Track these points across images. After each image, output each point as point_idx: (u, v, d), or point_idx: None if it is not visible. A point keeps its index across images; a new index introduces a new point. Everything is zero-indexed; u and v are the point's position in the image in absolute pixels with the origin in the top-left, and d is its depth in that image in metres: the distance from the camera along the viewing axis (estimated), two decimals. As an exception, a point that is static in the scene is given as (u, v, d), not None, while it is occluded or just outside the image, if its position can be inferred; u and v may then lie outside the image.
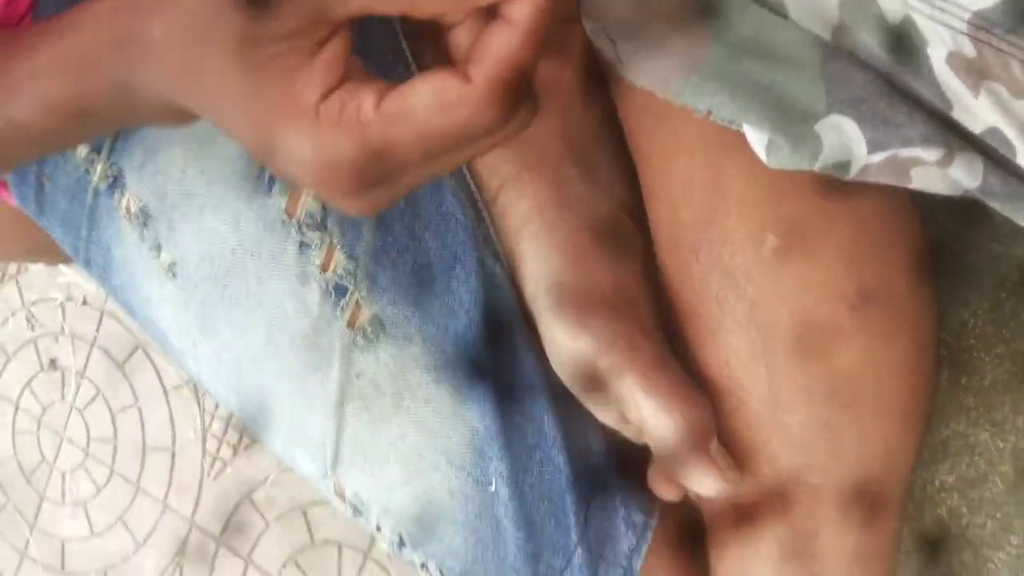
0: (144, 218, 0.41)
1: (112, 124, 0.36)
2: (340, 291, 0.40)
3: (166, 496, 1.07)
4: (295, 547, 0.96)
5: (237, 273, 0.40)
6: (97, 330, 1.12)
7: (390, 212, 0.40)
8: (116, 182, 0.41)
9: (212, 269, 0.41)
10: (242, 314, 0.41)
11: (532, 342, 0.41)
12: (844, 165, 0.32)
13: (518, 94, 0.28)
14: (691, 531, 0.43)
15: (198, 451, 1.06)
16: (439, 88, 0.28)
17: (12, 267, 1.18)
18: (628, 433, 0.40)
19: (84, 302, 1.12)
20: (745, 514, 0.40)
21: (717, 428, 0.38)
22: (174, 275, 0.42)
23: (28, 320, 1.17)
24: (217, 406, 1.03)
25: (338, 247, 0.40)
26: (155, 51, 0.29)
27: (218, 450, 1.05)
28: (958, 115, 0.31)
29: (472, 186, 0.41)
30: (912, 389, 0.39)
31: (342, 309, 0.40)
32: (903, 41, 0.30)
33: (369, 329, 0.40)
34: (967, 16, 0.29)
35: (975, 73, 0.29)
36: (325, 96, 0.28)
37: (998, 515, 0.45)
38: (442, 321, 0.40)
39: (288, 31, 0.27)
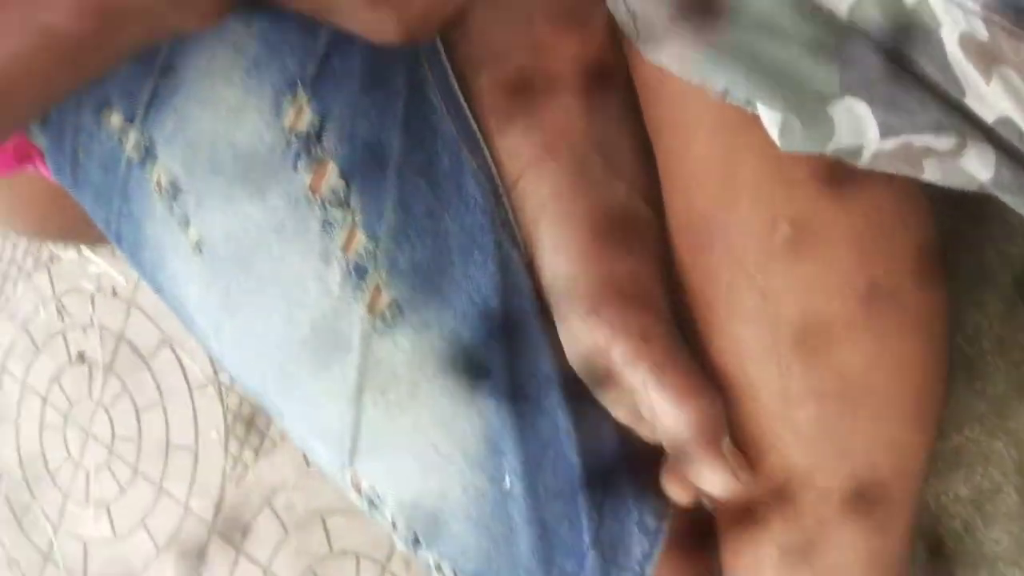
0: (174, 191, 0.42)
1: (145, 21, 0.36)
2: (360, 272, 0.40)
3: (187, 498, 1.07)
4: (313, 556, 0.96)
5: (261, 251, 0.41)
6: (125, 323, 1.13)
7: (411, 192, 0.41)
8: (148, 153, 0.42)
9: (237, 247, 0.41)
10: (264, 295, 0.41)
11: (549, 334, 0.41)
12: (856, 150, 0.32)
13: None
14: (701, 531, 0.43)
15: (220, 452, 1.06)
16: None
17: (45, 254, 1.20)
18: (642, 431, 0.40)
19: (114, 293, 1.14)
20: (753, 514, 0.40)
21: (728, 424, 0.38)
22: (200, 252, 0.42)
23: (59, 311, 1.18)
24: (241, 404, 1.04)
25: (360, 226, 0.40)
26: None
27: (240, 452, 1.06)
28: (971, 102, 0.31)
29: (493, 168, 0.42)
30: (922, 389, 0.39)
31: (362, 291, 0.40)
32: (918, 22, 0.30)
33: (388, 314, 0.40)
34: None
35: (988, 57, 0.29)
36: None
37: (1015, 529, 0.44)
38: (459, 307, 0.40)
39: None
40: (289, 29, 0.41)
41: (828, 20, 0.32)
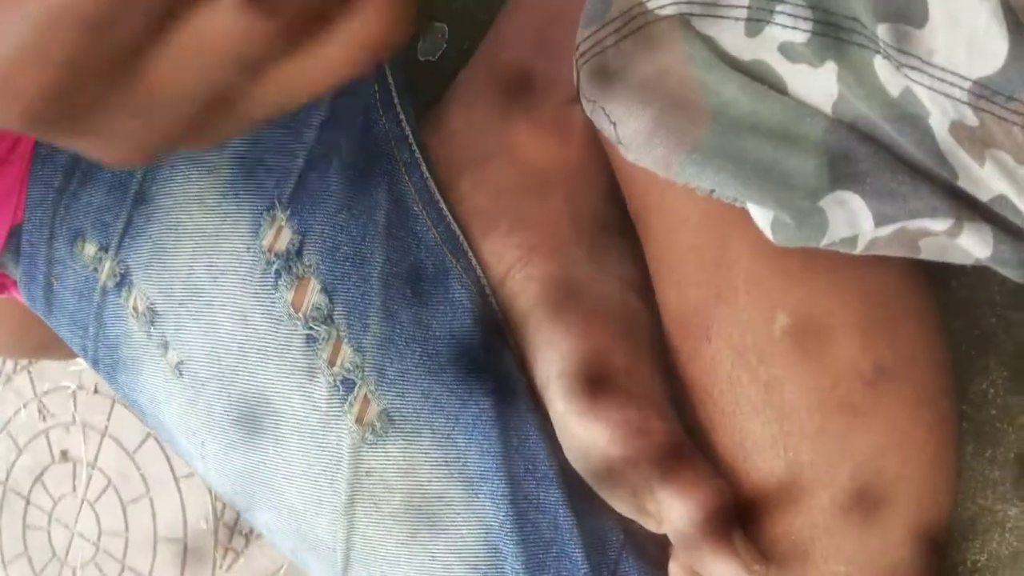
0: (151, 316, 0.41)
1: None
2: (348, 386, 0.39)
3: (178, 591, 1.05)
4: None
5: (244, 370, 0.40)
6: (108, 419, 1.12)
7: (396, 300, 0.40)
8: (124, 280, 0.42)
9: (219, 367, 0.40)
10: (249, 413, 0.40)
11: (546, 431, 0.40)
12: (851, 240, 0.32)
13: None
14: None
15: (210, 541, 1.04)
16: None
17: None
18: (647, 525, 0.39)
19: (95, 391, 1.12)
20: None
21: (738, 516, 0.37)
22: (181, 374, 0.41)
23: (40, 411, 1.17)
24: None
25: (345, 340, 0.39)
26: None
27: (230, 540, 1.04)
28: (964, 184, 0.31)
29: (479, 272, 0.41)
30: (938, 465, 0.38)
31: (350, 404, 0.39)
32: (904, 113, 0.30)
33: (378, 424, 0.39)
34: (967, 85, 0.29)
35: (978, 142, 0.29)
36: None
37: (1037, 595, 0.43)
38: (452, 412, 0.39)
39: None
40: (265, 149, 0.40)
41: (812, 114, 0.31)
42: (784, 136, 0.31)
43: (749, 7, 0.31)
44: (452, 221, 0.41)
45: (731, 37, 0.32)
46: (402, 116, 0.43)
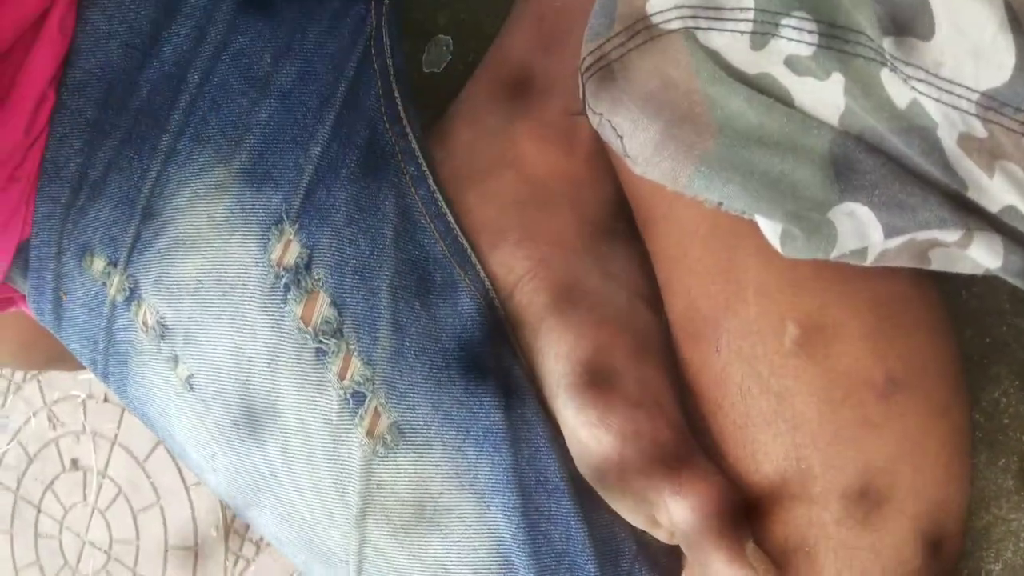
0: (161, 330, 0.41)
1: None
2: (358, 399, 0.39)
3: (189, 599, 1.06)
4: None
5: (254, 384, 0.40)
6: (118, 427, 1.12)
7: (405, 313, 0.40)
8: (133, 294, 0.42)
9: (229, 381, 0.40)
10: (260, 426, 0.41)
11: (556, 444, 0.40)
12: (861, 252, 0.31)
13: None
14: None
15: (221, 549, 1.04)
16: None
17: (34, 368, 1.18)
18: (659, 535, 0.39)
19: (105, 399, 1.13)
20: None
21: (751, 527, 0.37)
22: (191, 388, 0.41)
23: (50, 420, 1.17)
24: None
25: (355, 353, 0.39)
26: None
27: (240, 548, 1.04)
28: (974, 195, 0.31)
29: (487, 284, 0.41)
30: (951, 476, 0.38)
31: (361, 417, 0.39)
32: (912, 125, 0.30)
33: (389, 437, 0.39)
34: (975, 97, 0.28)
35: (987, 154, 0.29)
36: None
37: (1051, 604, 0.43)
38: (462, 424, 0.39)
39: None
40: (272, 164, 0.40)
41: (819, 127, 0.31)
42: (791, 148, 0.31)
43: (754, 20, 0.31)
44: (459, 233, 0.41)
45: (737, 50, 0.32)
46: (408, 129, 0.43)
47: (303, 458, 0.40)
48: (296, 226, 0.40)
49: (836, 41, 0.30)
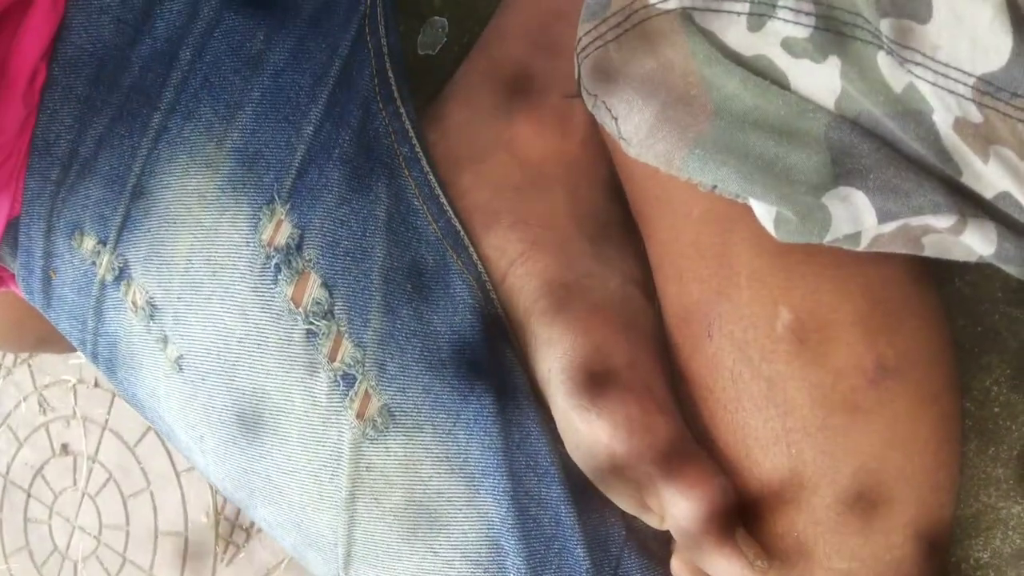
0: (150, 310, 0.41)
1: None
2: (348, 381, 0.39)
3: (179, 585, 1.05)
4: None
5: (243, 365, 0.40)
6: (109, 412, 1.12)
7: (397, 296, 0.40)
8: (122, 273, 0.41)
9: (219, 362, 0.40)
10: (249, 408, 0.40)
11: (547, 428, 0.40)
12: (854, 237, 0.31)
13: None
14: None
15: (211, 535, 1.04)
16: None
17: (24, 352, 1.18)
18: (650, 521, 0.39)
19: (96, 384, 1.12)
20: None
21: (740, 512, 0.37)
22: (180, 368, 0.41)
23: (40, 404, 1.17)
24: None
25: (346, 335, 0.39)
26: None
27: (231, 534, 1.04)
28: (968, 181, 0.30)
29: (480, 267, 0.41)
30: (940, 463, 0.38)
31: (351, 400, 0.39)
32: (908, 109, 0.30)
33: (379, 420, 0.39)
34: (971, 81, 0.28)
35: (982, 139, 0.29)
36: None
37: (1039, 592, 0.43)
38: (453, 408, 0.39)
39: None
40: (263, 143, 0.40)
41: (815, 110, 0.31)
42: (786, 132, 0.31)
43: (751, 2, 0.31)
44: (453, 216, 0.41)
45: (733, 32, 0.31)
46: (402, 110, 0.42)
47: (292, 440, 0.40)
48: (288, 206, 0.40)
49: (833, 23, 0.30)
